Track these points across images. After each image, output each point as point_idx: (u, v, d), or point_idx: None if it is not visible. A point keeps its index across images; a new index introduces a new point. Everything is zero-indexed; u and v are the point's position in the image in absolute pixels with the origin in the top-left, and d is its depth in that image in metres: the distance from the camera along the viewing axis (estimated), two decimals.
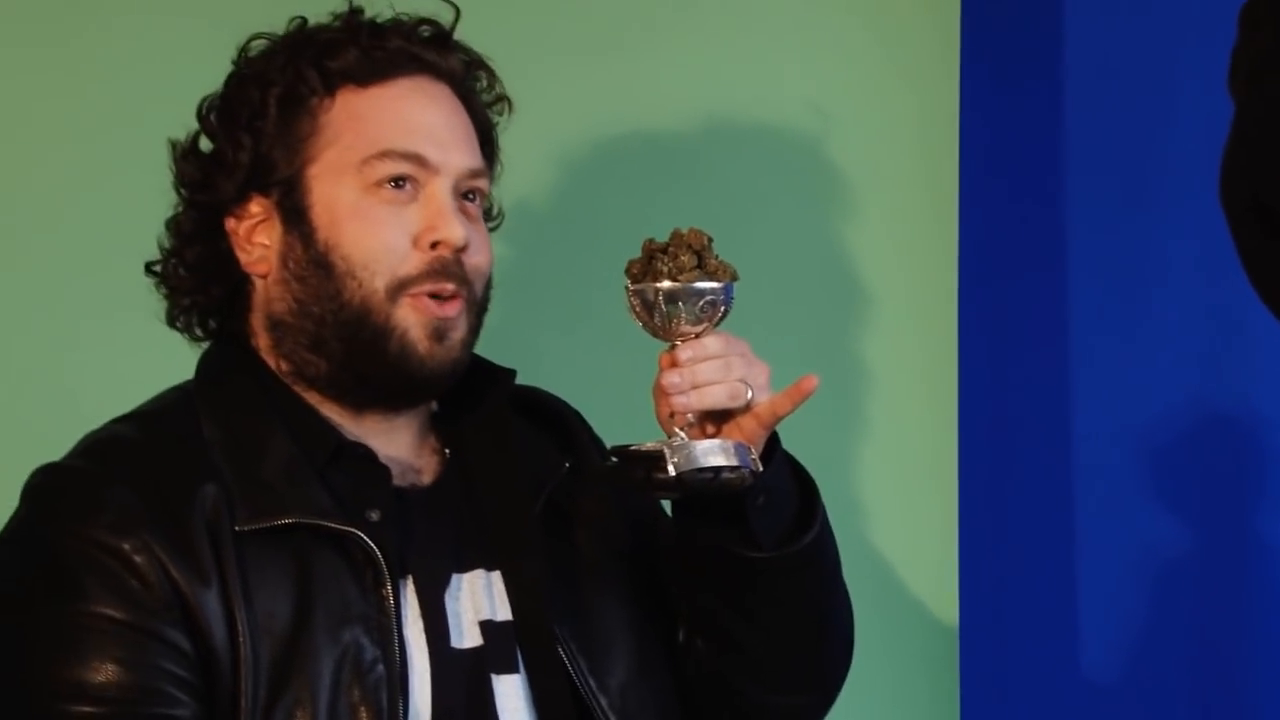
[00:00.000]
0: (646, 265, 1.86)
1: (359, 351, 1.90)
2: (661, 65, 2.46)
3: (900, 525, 2.53)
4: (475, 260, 1.94)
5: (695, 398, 1.87)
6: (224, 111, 1.96)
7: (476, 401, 1.98)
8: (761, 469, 1.87)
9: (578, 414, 2.10)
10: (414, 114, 1.95)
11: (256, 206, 1.94)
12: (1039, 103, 2.41)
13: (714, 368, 1.88)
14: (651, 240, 1.87)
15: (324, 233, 1.92)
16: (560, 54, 2.45)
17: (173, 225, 1.97)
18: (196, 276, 1.96)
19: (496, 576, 1.93)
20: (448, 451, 1.99)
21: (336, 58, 1.93)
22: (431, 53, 1.96)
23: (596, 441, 2.09)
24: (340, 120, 1.93)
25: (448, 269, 1.92)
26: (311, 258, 1.91)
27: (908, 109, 2.49)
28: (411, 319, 1.90)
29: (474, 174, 1.96)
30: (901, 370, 2.52)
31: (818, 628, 2.02)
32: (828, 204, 2.45)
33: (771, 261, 2.43)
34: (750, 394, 1.89)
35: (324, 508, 1.87)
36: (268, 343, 1.95)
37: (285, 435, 1.90)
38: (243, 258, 1.95)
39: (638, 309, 1.88)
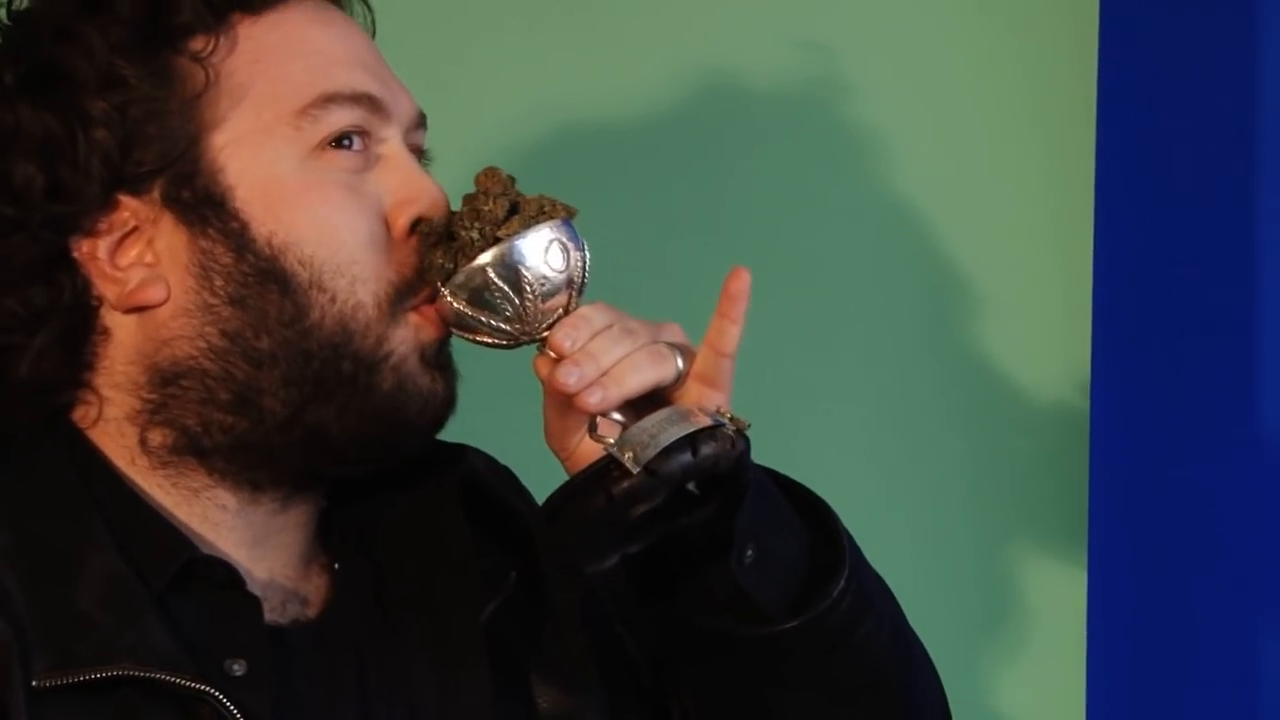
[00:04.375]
0: (447, 248, 1.43)
1: (329, 394, 1.45)
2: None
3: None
4: None
5: (614, 385, 1.42)
6: (40, 76, 1.44)
7: (389, 486, 1.52)
8: (747, 424, 1.42)
9: (526, 493, 1.62)
10: (338, 43, 1.49)
11: (125, 212, 1.45)
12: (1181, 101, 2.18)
13: (614, 339, 1.43)
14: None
15: (263, 226, 1.44)
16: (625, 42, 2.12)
17: None
18: (12, 329, 1.46)
19: None
20: (336, 566, 1.51)
21: None
22: None
23: None
24: (244, 62, 1.46)
25: None
26: (251, 267, 1.44)
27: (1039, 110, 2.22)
28: (412, 341, 1.46)
29: (422, 120, 1.52)
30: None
31: (897, 713, 1.54)
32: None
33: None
34: (680, 359, 1.44)
35: (164, 654, 1.38)
36: (128, 409, 1.47)
37: (110, 546, 1.42)
38: (110, 291, 1.46)
39: (471, 313, 1.42)
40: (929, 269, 2.17)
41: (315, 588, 1.50)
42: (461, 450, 1.55)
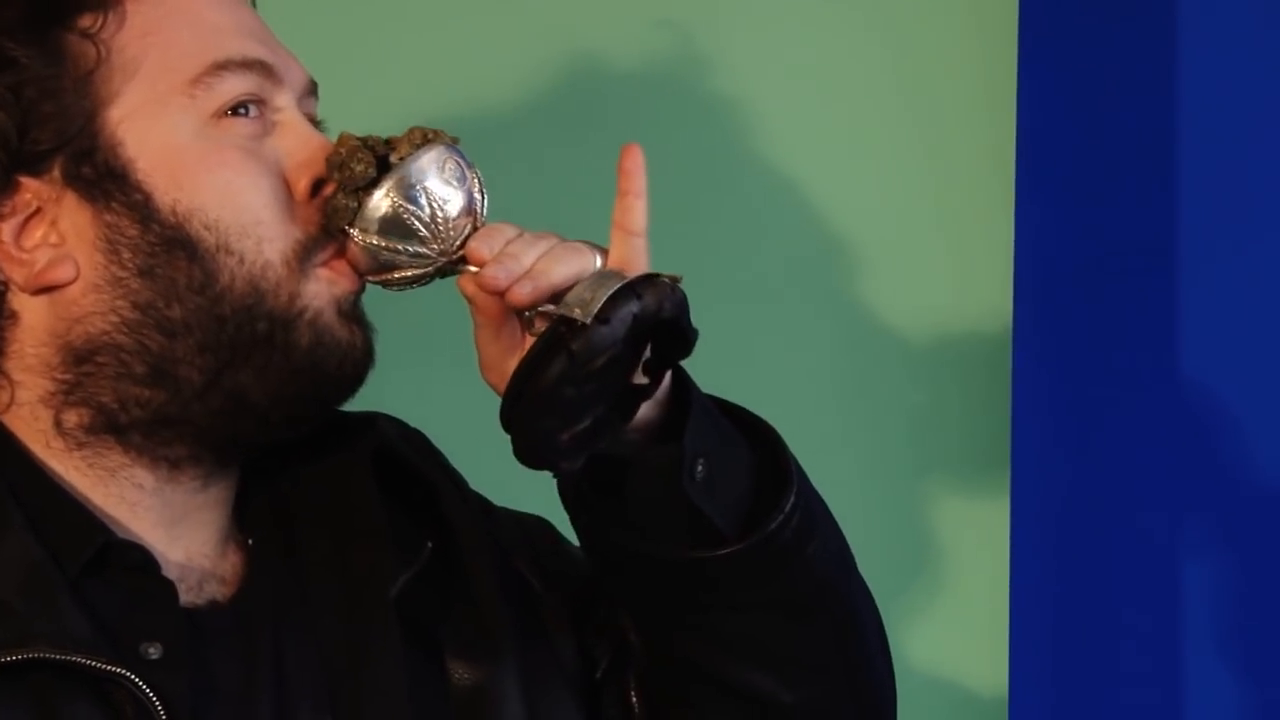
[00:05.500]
0: (345, 189, 1.42)
1: (246, 357, 1.44)
2: None
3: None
4: None
5: (542, 277, 1.41)
6: None
7: (301, 460, 1.50)
8: (680, 277, 1.41)
9: (439, 456, 1.59)
10: (224, 14, 1.48)
11: (27, 194, 1.44)
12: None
13: (529, 242, 1.43)
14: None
15: (166, 195, 1.43)
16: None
17: None
18: None
19: None
20: (250, 542, 1.50)
21: None
22: None
23: (472, 497, 1.60)
24: (134, 36, 1.45)
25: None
26: (158, 237, 1.43)
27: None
28: (325, 295, 1.45)
29: (313, 88, 1.52)
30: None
31: (838, 636, 1.52)
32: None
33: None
34: (595, 252, 1.44)
35: (79, 637, 1.37)
36: (41, 391, 1.45)
37: (25, 531, 1.40)
38: (17, 274, 1.44)
39: (385, 245, 1.42)
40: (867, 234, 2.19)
41: (232, 565, 1.49)
42: (372, 419, 1.53)
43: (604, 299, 1.35)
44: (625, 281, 1.36)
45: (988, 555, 2.17)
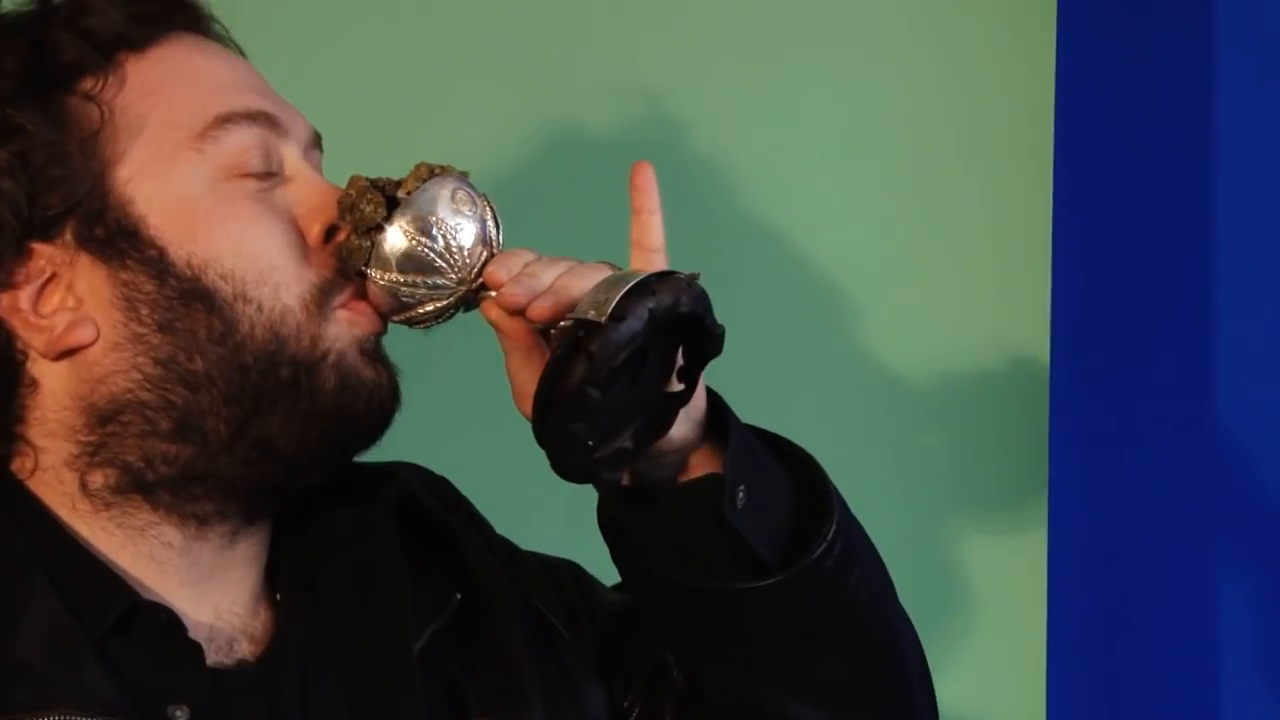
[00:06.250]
0: (357, 230, 1.42)
1: (271, 404, 1.42)
2: None
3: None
4: None
5: (562, 293, 1.39)
6: None
7: (326, 514, 1.50)
8: (698, 274, 1.40)
9: (465, 503, 1.58)
10: (224, 70, 1.48)
11: (41, 260, 1.42)
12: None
13: (546, 264, 1.42)
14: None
15: (180, 249, 1.42)
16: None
17: None
18: None
19: None
20: (279, 598, 1.48)
21: (95, 17, 1.44)
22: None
23: (499, 544, 1.58)
24: (136, 96, 1.44)
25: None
26: (175, 290, 1.42)
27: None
28: (347, 337, 1.44)
29: (317, 140, 1.51)
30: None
31: (879, 666, 1.50)
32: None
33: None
34: (611, 270, 1.42)
35: (105, 700, 1.35)
36: (65, 455, 1.43)
37: (51, 592, 1.39)
38: (37, 340, 1.43)
39: (404, 280, 1.41)
40: (895, 264, 2.17)
41: (262, 623, 1.47)
42: (394, 469, 1.52)
43: (618, 297, 1.33)
44: (639, 279, 1.35)
45: (1026, 590, 2.16)
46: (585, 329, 1.33)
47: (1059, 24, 2.16)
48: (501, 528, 1.59)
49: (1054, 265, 2.17)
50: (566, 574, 1.59)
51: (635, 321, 1.34)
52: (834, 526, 1.43)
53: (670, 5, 2.10)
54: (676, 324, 1.36)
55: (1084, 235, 2.16)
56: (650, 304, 1.34)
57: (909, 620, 1.54)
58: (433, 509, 1.54)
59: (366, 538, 1.49)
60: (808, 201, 2.14)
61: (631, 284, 1.34)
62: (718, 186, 2.11)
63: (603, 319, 1.33)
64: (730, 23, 2.12)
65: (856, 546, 1.46)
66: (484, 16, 2.07)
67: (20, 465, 1.43)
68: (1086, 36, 2.16)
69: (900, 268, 2.17)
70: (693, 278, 1.38)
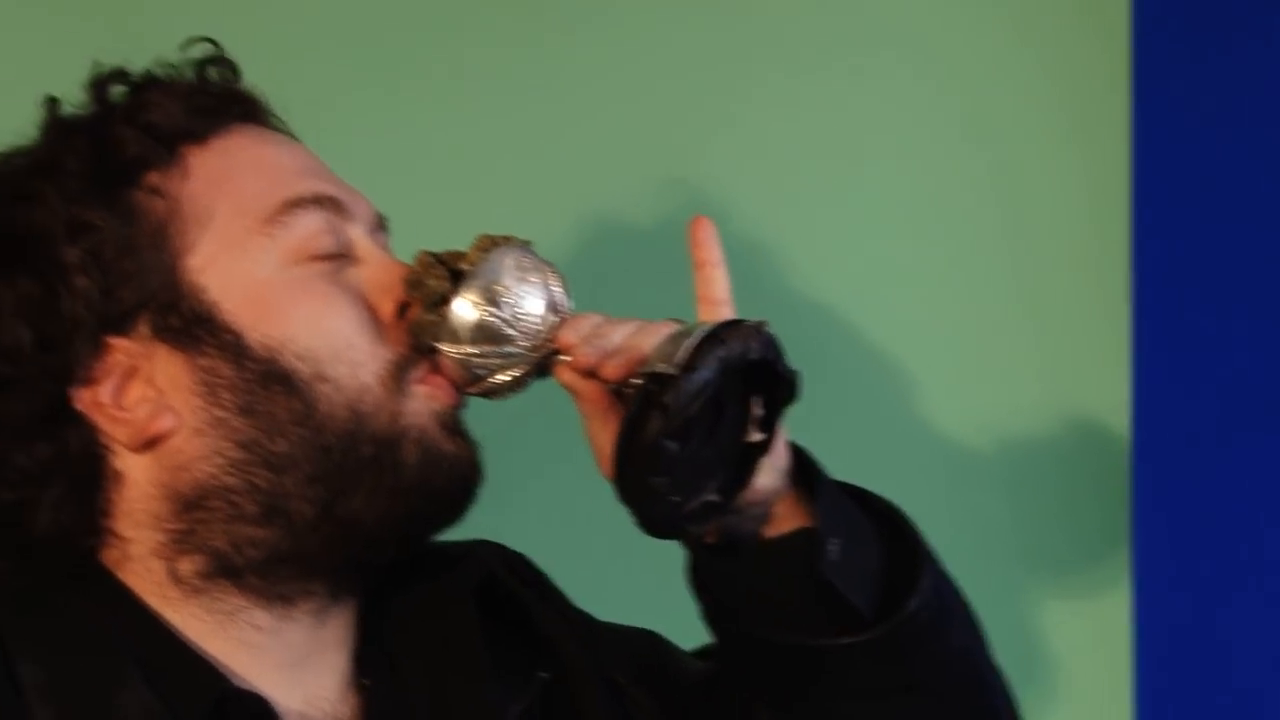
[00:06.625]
0: (426, 305, 1.42)
1: (356, 482, 1.42)
2: None
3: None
4: None
5: (634, 350, 1.39)
6: (7, 244, 1.44)
7: (407, 598, 1.49)
8: (765, 321, 1.39)
9: (542, 580, 1.58)
10: (286, 157, 1.49)
11: (119, 354, 1.43)
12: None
13: (615, 325, 1.42)
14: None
15: (256, 332, 1.42)
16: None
17: None
18: (22, 483, 1.43)
19: None
20: (367, 682, 1.48)
21: (156, 112, 1.45)
22: (247, 92, 1.52)
23: (577, 619, 1.57)
24: (203, 187, 1.45)
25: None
26: (253, 373, 1.41)
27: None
28: (426, 411, 1.43)
29: (383, 223, 1.52)
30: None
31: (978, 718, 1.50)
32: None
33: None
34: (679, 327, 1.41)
35: None
36: (153, 544, 1.43)
37: (142, 684, 1.38)
38: (121, 433, 1.43)
39: (478, 352, 1.42)
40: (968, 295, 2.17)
41: (351, 709, 1.46)
42: (471, 548, 1.52)
43: (688, 348, 1.34)
44: (708, 328, 1.35)
45: (1110, 661, 2.14)
46: (657, 382, 1.34)
47: (1134, 86, 2.15)
48: (578, 599, 1.59)
49: (1134, 325, 2.15)
50: (645, 645, 1.58)
51: (707, 371, 1.34)
52: (928, 577, 1.43)
53: (727, 95, 2.11)
54: (749, 371, 1.37)
55: (1165, 297, 2.14)
56: (721, 352, 1.34)
57: (1001, 673, 1.52)
58: (512, 587, 1.53)
59: (447, 619, 1.49)
60: (877, 265, 2.14)
61: (701, 334, 1.35)
62: (783, 249, 2.11)
63: (674, 370, 1.33)
64: (789, 95, 2.14)
65: (948, 597, 1.46)
66: (542, 98, 2.09)
67: (109, 556, 1.43)
68: (1163, 103, 2.14)
69: (976, 329, 2.17)
70: (761, 324, 1.38)
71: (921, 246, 2.14)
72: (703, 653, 1.58)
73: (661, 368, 1.34)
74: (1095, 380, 2.16)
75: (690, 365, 1.33)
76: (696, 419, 1.35)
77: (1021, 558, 2.15)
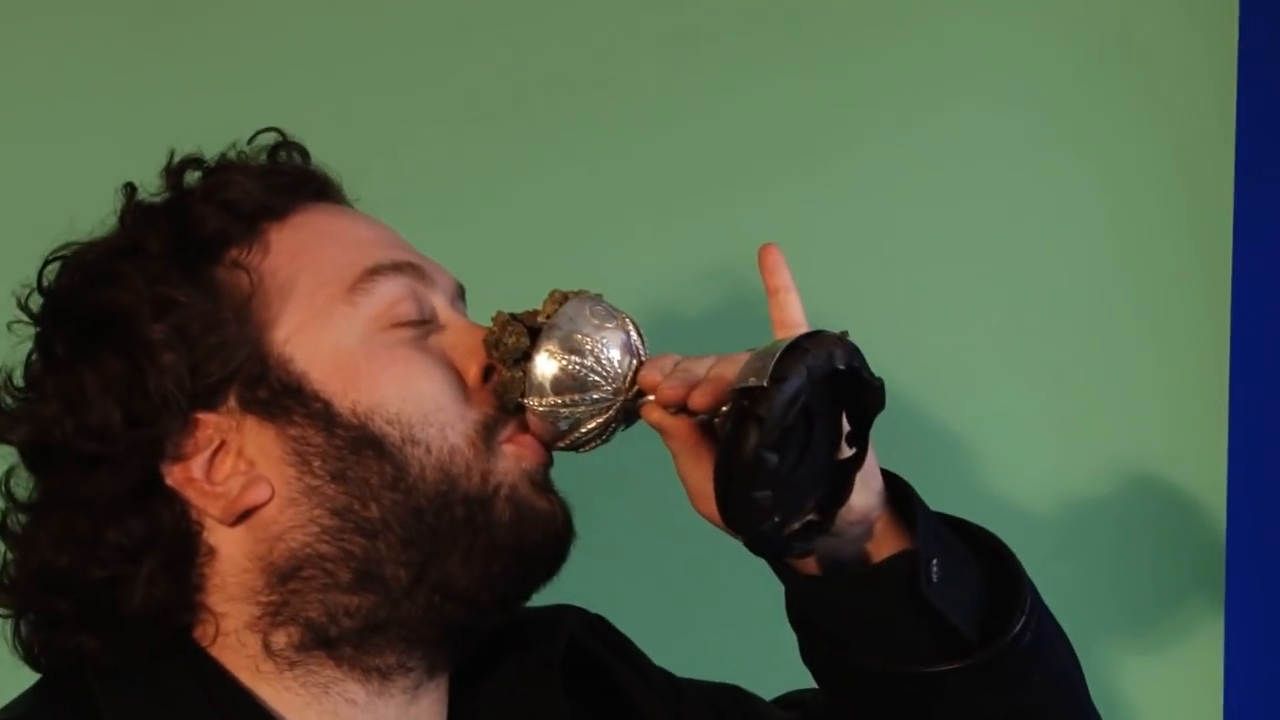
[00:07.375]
0: (507, 365, 1.44)
1: (450, 544, 1.41)
2: None
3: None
4: None
5: (719, 379, 1.39)
6: (92, 328, 1.43)
7: (496, 669, 1.49)
8: (845, 331, 1.39)
9: (624, 642, 1.58)
10: (364, 228, 1.50)
11: (208, 429, 1.42)
12: None
13: (695, 360, 1.42)
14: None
15: (344, 399, 1.41)
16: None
17: (59, 536, 1.43)
18: (116, 560, 1.42)
19: None
20: None
21: (233, 190, 1.46)
22: (319, 171, 1.53)
23: (659, 680, 1.57)
24: (283, 260, 1.46)
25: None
26: (344, 440, 1.41)
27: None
28: (516, 470, 1.43)
29: (462, 292, 1.53)
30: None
31: None
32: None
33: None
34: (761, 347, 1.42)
35: None
36: (247, 618, 1.43)
37: None
38: (212, 508, 1.42)
39: (563, 402, 1.43)
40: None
41: None
42: (556, 617, 1.52)
43: (775, 360, 1.34)
44: (791, 340, 1.36)
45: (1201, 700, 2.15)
46: (749, 397, 1.34)
47: (1237, 138, 2.17)
48: (657, 656, 1.60)
49: (1231, 378, 2.16)
50: (728, 699, 1.58)
51: (796, 380, 1.34)
52: (1029, 600, 1.43)
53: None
54: (835, 381, 1.37)
55: (1265, 360, 2.15)
56: (807, 361, 1.35)
57: (1091, 700, 1.53)
58: (595, 652, 1.54)
59: (534, 691, 1.48)
60: (976, 321, 2.16)
61: (785, 346, 1.35)
62: (873, 292, 2.14)
63: (764, 383, 1.34)
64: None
65: (1046, 623, 1.46)
66: (613, 146, 2.11)
67: (202, 633, 1.42)
68: (1266, 148, 2.15)
69: (1073, 381, 2.18)
70: (843, 334, 1.39)
71: (1017, 303, 2.16)
72: (784, 701, 1.58)
73: (752, 382, 1.34)
74: (1192, 437, 2.17)
75: (780, 376, 1.34)
76: (792, 430, 1.35)
77: (1116, 614, 2.15)
